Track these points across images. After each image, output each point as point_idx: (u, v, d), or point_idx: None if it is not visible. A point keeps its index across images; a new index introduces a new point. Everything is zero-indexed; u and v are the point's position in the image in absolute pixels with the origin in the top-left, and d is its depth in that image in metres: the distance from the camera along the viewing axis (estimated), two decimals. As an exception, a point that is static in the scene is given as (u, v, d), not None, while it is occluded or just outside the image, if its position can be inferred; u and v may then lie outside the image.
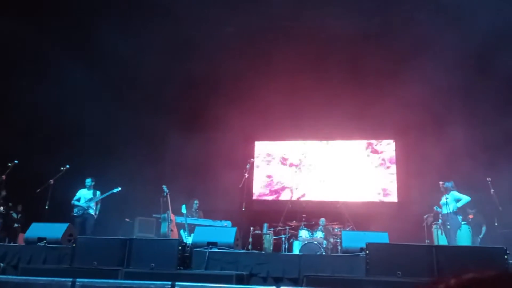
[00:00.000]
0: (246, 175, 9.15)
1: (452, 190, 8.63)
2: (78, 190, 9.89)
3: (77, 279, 5.35)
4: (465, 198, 8.53)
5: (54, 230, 7.67)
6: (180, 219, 9.64)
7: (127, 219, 11.18)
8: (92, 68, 10.62)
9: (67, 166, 9.20)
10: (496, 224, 8.74)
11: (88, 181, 9.79)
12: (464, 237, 8.85)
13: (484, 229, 9.62)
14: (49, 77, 10.44)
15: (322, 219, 10.56)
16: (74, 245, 6.50)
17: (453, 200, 8.58)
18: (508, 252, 5.62)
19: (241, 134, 14.18)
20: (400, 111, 11.32)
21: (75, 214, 9.52)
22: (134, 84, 11.65)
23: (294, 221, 10.45)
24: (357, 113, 11.73)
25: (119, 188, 9.83)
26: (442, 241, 8.66)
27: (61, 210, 9.50)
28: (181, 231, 9.49)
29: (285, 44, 11.30)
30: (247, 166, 9.27)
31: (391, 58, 10.35)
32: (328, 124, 12.99)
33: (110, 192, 9.77)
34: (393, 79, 10.28)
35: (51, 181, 9.00)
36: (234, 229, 7.57)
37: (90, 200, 9.66)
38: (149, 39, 10.95)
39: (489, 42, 9.53)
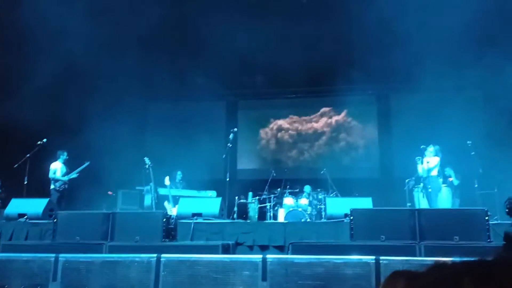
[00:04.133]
0: (230, 145, 9.07)
1: (436, 155, 8.72)
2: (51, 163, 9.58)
3: (60, 255, 5.30)
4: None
5: (35, 206, 7.56)
6: (163, 191, 9.56)
7: (110, 192, 11.04)
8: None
9: (44, 140, 8.95)
10: (476, 186, 8.92)
11: (64, 155, 9.53)
12: (445, 199, 9.02)
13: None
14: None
15: (307, 186, 10.62)
16: (55, 220, 6.40)
17: (435, 163, 8.69)
18: (489, 213, 5.74)
19: (224, 101, 14.02)
20: (382, 74, 11.26)
21: (58, 188, 9.29)
22: (113, 50, 11.19)
23: (279, 189, 10.49)
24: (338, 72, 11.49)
25: (88, 163, 9.57)
26: (424, 204, 8.81)
27: (41, 185, 9.30)
28: (165, 203, 9.43)
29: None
30: (230, 136, 9.17)
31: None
32: (310, 87, 12.91)
33: (81, 168, 9.53)
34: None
35: (29, 155, 8.76)
36: (219, 199, 7.56)
37: (67, 173, 9.44)
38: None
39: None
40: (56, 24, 9.60)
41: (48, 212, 7.51)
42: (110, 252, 5.70)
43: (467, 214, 6.18)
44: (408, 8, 9.40)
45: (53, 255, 5.26)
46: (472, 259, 0.91)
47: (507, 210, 5.13)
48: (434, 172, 8.65)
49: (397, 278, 1.33)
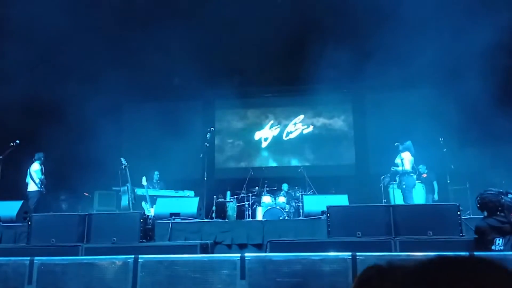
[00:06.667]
0: (207, 144, 9.06)
1: (407, 150, 8.91)
2: (31, 165, 9.38)
3: (35, 258, 5.18)
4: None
5: (8, 208, 7.41)
6: (141, 191, 9.48)
7: (86, 193, 10.88)
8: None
9: (17, 141, 8.75)
10: (448, 181, 9.16)
11: (41, 155, 9.35)
12: (418, 195, 9.23)
13: (435, 184, 10.03)
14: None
15: (285, 184, 10.71)
16: (30, 223, 6.27)
17: (406, 159, 8.87)
18: (460, 208, 5.90)
19: (201, 100, 13.98)
20: (357, 73, 11.40)
21: (42, 190, 9.11)
22: (85, 45, 10.98)
23: (257, 188, 10.54)
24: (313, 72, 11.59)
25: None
26: (399, 200, 8.98)
27: (14, 187, 9.09)
28: (143, 203, 9.35)
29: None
30: (208, 135, 9.16)
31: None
32: (286, 86, 13.00)
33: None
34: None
35: (1, 157, 8.56)
36: (197, 199, 7.55)
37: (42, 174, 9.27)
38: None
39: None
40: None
41: (23, 214, 7.36)
42: (86, 254, 5.62)
43: (440, 210, 6.34)
44: (380, 5, 9.55)
45: (28, 258, 5.15)
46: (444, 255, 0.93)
47: (478, 205, 5.29)
48: (407, 168, 8.83)
49: (370, 273, 1.34)
